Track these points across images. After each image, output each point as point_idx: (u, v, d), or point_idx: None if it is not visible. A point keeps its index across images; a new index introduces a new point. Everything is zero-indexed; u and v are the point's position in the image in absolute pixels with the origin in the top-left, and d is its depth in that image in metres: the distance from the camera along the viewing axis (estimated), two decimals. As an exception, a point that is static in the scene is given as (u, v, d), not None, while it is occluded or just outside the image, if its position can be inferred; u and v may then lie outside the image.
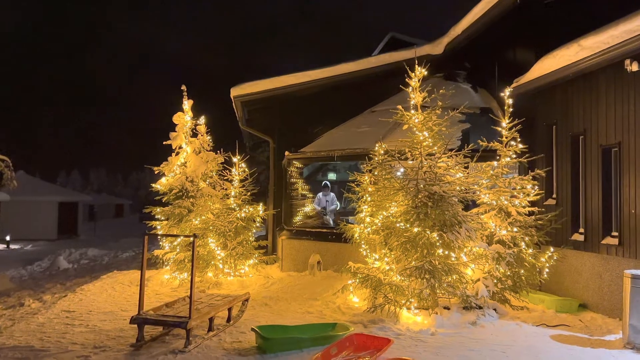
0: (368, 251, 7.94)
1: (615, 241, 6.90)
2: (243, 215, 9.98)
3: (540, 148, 8.68)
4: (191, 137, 10.60)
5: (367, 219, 7.86)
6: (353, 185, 8.24)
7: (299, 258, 10.48)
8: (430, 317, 6.62)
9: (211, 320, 6.16)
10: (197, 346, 5.65)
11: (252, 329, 5.72)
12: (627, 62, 6.53)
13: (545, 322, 6.68)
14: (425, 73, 7.57)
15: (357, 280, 7.31)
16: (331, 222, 11.26)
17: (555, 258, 7.35)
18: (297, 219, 11.36)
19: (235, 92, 12.30)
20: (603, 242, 7.13)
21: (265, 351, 5.44)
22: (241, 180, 10.44)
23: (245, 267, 10.00)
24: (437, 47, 11.23)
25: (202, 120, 10.71)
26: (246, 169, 10.55)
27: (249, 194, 10.40)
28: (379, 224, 7.50)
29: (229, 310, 6.67)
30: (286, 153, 11.23)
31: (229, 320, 6.68)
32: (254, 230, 10.39)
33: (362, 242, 7.98)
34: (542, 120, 8.77)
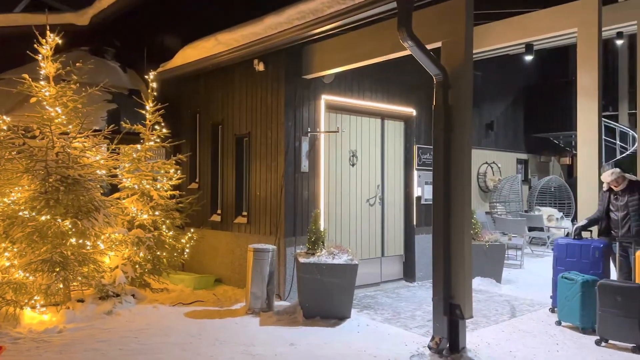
0: (-17, 247, 6.55)
1: (245, 220, 7.77)
2: None
3: (185, 134, 9.01)
4: None
5: (-18, 209, 6.47)
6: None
7: None
8: (60, 313, 5.96)
9: None
10: None
11: None
12: (256, 61, 7.39)
13: (182, 301, 6.96)
14: (59, 42, 6.72)
15: (-35, 283, 5.94)
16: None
17: (195, 239, 7.77)
18: None
19: None
20: (235, 221, 7.94)
21: None
22: None
23: None
24: (82, 18, 10.20)
25: None
26: None
27: None
28: (-2, 214, 6.29)
29: None
30: None
31: None
32: None
33: (-25, 237, 6.53)
34: (187, 107, 9.10)
